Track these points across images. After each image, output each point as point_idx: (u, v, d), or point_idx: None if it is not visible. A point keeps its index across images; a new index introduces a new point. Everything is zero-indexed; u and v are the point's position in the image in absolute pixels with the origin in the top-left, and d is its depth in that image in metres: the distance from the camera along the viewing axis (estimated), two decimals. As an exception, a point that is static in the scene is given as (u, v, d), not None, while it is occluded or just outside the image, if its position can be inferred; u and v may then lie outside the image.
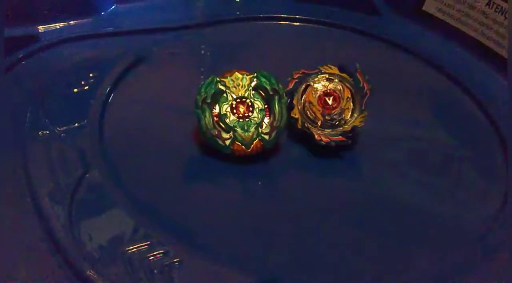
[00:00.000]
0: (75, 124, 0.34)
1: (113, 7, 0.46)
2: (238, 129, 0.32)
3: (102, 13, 0.45)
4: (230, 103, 0.33)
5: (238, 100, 0.33)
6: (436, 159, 0.35)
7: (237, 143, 0.32)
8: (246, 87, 0.33)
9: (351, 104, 0.34)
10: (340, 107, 0.34)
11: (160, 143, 0.34)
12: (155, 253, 0.26)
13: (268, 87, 0.33)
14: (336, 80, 0.34)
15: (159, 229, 0.28)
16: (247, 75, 0.33)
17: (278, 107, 0.33)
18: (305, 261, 0.28)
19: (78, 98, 0.37)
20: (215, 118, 0.32)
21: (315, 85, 0.34)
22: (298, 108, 0.34)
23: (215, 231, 0.29)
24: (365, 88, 0.33)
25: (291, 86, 0.34)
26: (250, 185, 0.32)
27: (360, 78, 0.34)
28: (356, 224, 0.30)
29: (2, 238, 0.27)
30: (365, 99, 0.34)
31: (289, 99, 0.34)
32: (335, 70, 0.34)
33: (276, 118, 0.32)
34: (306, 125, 0.33)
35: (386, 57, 0.44)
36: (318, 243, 0.29)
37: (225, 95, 0.33)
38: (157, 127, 0.35)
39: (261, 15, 0.47)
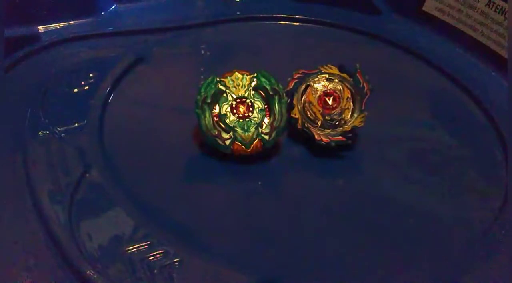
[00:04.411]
0: (75, 124, 0.34)
1: (113, 7, 0.46)
2: (238, 129, 0.32)
3: (102, 13, 0.45)
4: (230, 103, 0.33)
5: (238, 100, 0.33)
6: (436, 159, 0.35)
7: (237, 143, 0.32)
8: (246, 87, 0.33)
9: (351, 104, 0.34)
10: (340, 107, 0.34)
11: (160, 143, 0.34)
12: (155, 253, 0.26)
13: (268, 87, 0.33)
14: (336, 80, 0.34)
15: (159, 229, 0.28)
16: (247, 75, 0.33)
17: (278, 107, 0.33)
18: (305, 261, 0.28)
19: (78, 98, 0.37)
20: (215, 118, 0.32)
21: (315, 85, 0.34)
22: (298, 108, 0.34)
23: (215, 231, 0.29)
24: (365, 88, 0.33)
25: (291, 86, 0.34)
26: (250, 185, 0.32)
27: (360, 78, 0.34)
28: (356, 224, 0.30)
29: (2, 238, 0.27)
30: (365, 99, 0.34)
31: (289, 99, 0.34)
32: (335, 70, 0.34)
33: (276, 118, 0.32)
34: (306, 125, 0.33)
35: (386, 57, 0.44)
36: (318, 243, 0.29)
37: (225, 95, 0.33)
38: (157, 127, 0.35)
39: (261, 15, 0.47)
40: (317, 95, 0.34)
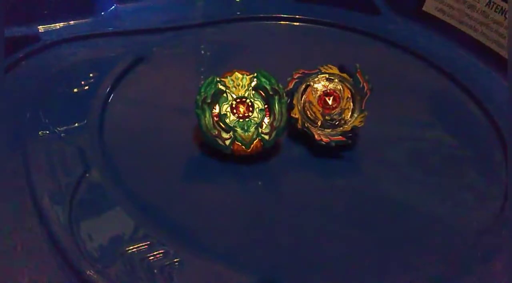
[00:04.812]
0: (75, 124, 0.34)
1: (113, 7, 0.46)
2: (238, 129, 0.32)
3: (102, 13, 0.45)
4: (230, 103, 0.33)
5: (238, 100, 0.33)
6: (436, 159, 0.35)
7: (237, 143, 0.32)
8: (246, 87, 0.33)
9: (351, 104, 0.34)
10: (340, 107, 0.34)
11: (160, 143, 0.34)
12: (155, 253, 0.26)
13: (268, 87, 0.33)
14: (336, 80, 0.34)
15: (159, 229, 0.28)
16: (247, 75, 0.33)
17: (278, 107, 0.33)
18: (305, 261, 0.28)
19: (78, 98, 0.37)
20: (215, 118, 0.32)
21: (315, 85, 0.34)
22: (298, 108, 0.34)
23: (215, 231, 0.29)
24: (365, 88, 0.33)
25: (291, 86, 0.34)
26: (250, 185, 0.32)
27: (360, 78, 0.34)
28: (356, 224, 0.30)
29: (2, 238, 0.27)
30: (365, 99, 0.34)
31: (289, 99, 0.34)
32: (335, 70, 0.34)
33: (276, 118, 0.32)
34: (306, 125, 0.33)
35: (386, 57, 0.44)
36: (318, 243, 0.29)
37: (225, 95, 0.33)
38: (157, 127, 0.35)
39: (261, 15, 0.47)
40: (317, 95, 0.34)
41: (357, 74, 0.34)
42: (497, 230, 0.30)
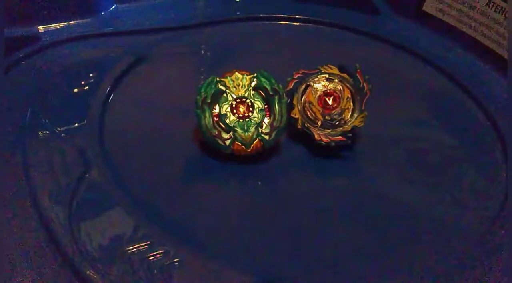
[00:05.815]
0: (75, 124, 0.34)
1: (113, 7, 0.46)
2: (238, 129, 0.32)
3: (102, 13, 0.45)
4: (230, 103, 0.33)
5: (238, 100, 0.33)
6: (436, 159, 0.35)
7: (237, 143, 0.32)
8: (246, 87, 0.33)
9: (351, 104, 0.34)
10: (340, 107, 0.34)
11: (160, 143, 0.34)
12: (155, 253, 0.26)
13: (268, 87, 0.33)
14: (336, 80, 0.34)
15: (159, 229, 0.28)
16: (247, 75, 0.33)
17: (278, 107, 0.33)
18: (305, 261, 0.28)
19: (78, 98, 0.37)
20: (215, 118, 0.32)
21: (315, 85, 0.34)
22: (298, 108, 0.34)
23: (215, 231, 0.29)
24: (365, 88, 0.33)
25: (291, 86, 0.34)
26: (250, 185, 0.32)
27: (360, 78, 0.34)
28: (356, 224, 0.30)
29: (2, 238, 0.27)
30: (365, 99, 0.34)
31: (289, 99, 0.34)
32: (335, 70, 0.34)
33: (276, 118, 0.32)
34: (306, 125, 0.33)
35: (386, 57, 0.44)
36: (318, 243, 0.29)
37: (225, 95, 0.33)
38: (157, 127, 0.35)
39: (261, 15, 0.47)
40: (317, 95, 0.34)
41: (357, 74, 0.34)
42: (497, 230, 0.30)
